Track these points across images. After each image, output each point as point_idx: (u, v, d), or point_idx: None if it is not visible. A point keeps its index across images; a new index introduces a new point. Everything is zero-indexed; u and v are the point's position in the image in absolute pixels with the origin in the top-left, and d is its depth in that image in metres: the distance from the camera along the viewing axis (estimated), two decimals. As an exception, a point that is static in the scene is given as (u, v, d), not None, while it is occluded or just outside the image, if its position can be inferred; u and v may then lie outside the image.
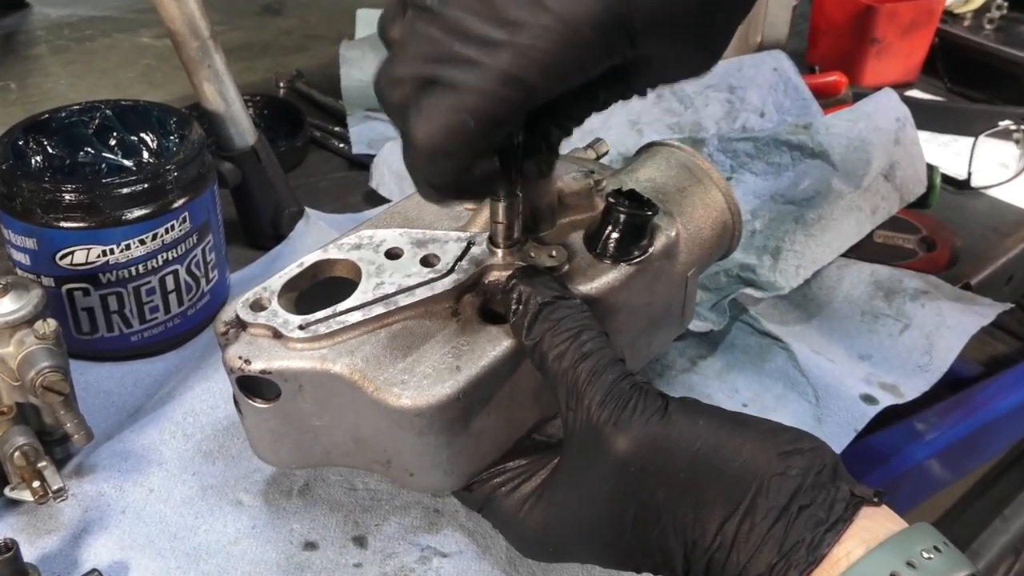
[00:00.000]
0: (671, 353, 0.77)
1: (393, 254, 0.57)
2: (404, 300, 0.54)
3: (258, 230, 0.87)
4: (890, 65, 1.20)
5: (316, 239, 0.85)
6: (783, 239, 0.83)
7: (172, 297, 0.72)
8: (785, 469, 0.44)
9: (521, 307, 0.51)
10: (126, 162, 0.77)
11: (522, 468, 0.54)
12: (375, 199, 0.96)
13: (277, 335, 0.52)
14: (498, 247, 0.55)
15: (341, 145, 1.05)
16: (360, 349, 0.52)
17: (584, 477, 0.48)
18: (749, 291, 0.80)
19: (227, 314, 0.54)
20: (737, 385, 0.75)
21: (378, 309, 0.53)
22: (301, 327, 0.52)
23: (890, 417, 0.73)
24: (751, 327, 0.80)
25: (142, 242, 0.68)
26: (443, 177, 0.45)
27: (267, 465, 0.63)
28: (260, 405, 0.53)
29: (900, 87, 1.15)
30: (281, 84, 1.18)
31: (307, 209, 0.88)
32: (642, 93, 0.49)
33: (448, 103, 0.43)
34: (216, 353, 0.72)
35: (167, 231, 0.69)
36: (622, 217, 0.56)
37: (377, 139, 1.03)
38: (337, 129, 1.08)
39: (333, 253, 0.57)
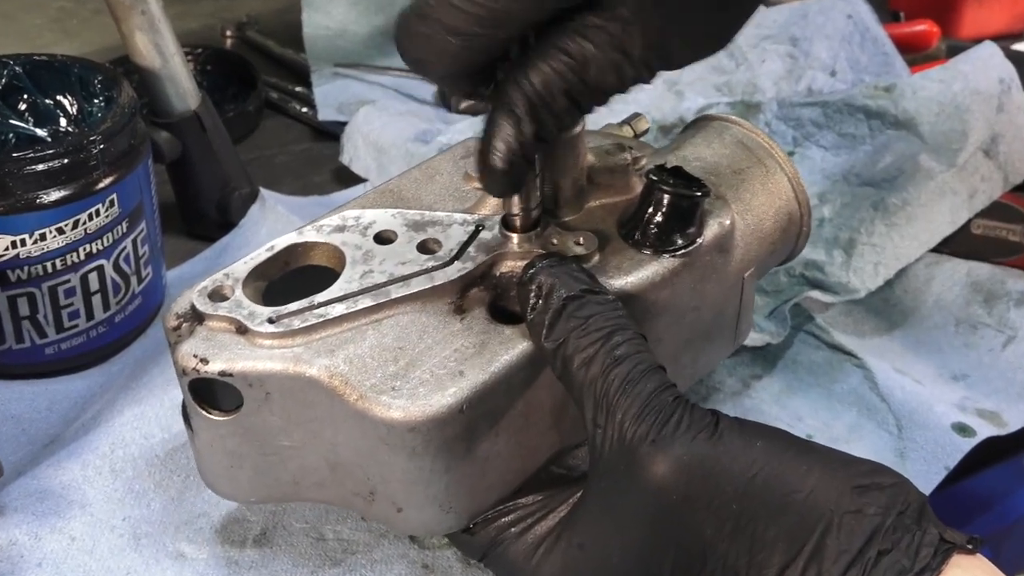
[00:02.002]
0: (719, 371, 0.78)
1: (384, 238, 0.58)
2: (397, 292, 0.55)
3: (201, 216, 0.89)
4: (993, 12, 1.21)
5: (273, 227, 0.87)
6: (858, 229, 0.85)
7: (96, 299, 0.73)
8: (861, 506, 0.46)
9: (541, 302, 0.53)
10: (40, 131, 0.79)
11: (537, 504, 0.55)
12: (347, 177, 0.97)
13: (242, 330, 0.54)
14: (514, 232, 0.57)
15: (304, 110, 1.07)
16: (342, 349, 0.53)
17: (613, 510, 0.50)
18: (816, 294, 0.82)
19: (180, 305, 0.56)
20: (800, 412, 0.76)
21: (365, 301, 0.55)
22: (271, 320, 0.54)
23: (991, 453, 0.75)
24: (818, 339, 0.82)
25: (60, 231, 0.70)
26: (433, 44, 0.48)
27: (214, 508, 0.65)
28: (217, 418, 0.55)
29: (1005, 39, 1.16)
30: (228, 33, 1.19)
31: (262, 190, 0.90)
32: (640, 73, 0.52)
33: None
34: (151, 370, 0.74)
35: (91, 217, 0.71)
36: (666, 198, 0.58)
37: (349, 102, 1.04)
38: (299, 89, 1.10)
39: (310, 236, 0.59)
